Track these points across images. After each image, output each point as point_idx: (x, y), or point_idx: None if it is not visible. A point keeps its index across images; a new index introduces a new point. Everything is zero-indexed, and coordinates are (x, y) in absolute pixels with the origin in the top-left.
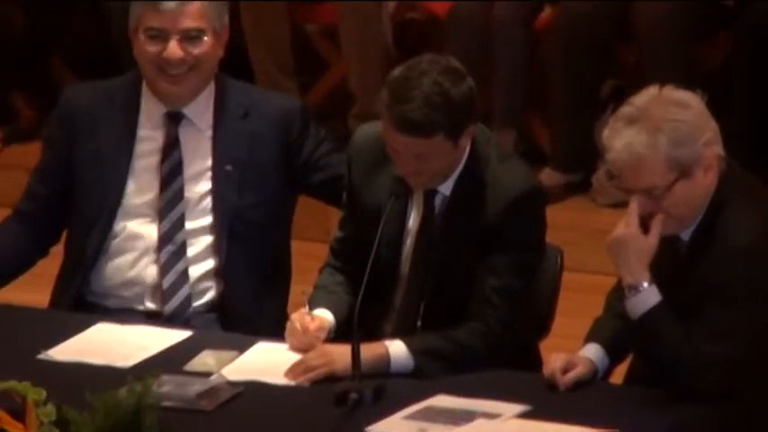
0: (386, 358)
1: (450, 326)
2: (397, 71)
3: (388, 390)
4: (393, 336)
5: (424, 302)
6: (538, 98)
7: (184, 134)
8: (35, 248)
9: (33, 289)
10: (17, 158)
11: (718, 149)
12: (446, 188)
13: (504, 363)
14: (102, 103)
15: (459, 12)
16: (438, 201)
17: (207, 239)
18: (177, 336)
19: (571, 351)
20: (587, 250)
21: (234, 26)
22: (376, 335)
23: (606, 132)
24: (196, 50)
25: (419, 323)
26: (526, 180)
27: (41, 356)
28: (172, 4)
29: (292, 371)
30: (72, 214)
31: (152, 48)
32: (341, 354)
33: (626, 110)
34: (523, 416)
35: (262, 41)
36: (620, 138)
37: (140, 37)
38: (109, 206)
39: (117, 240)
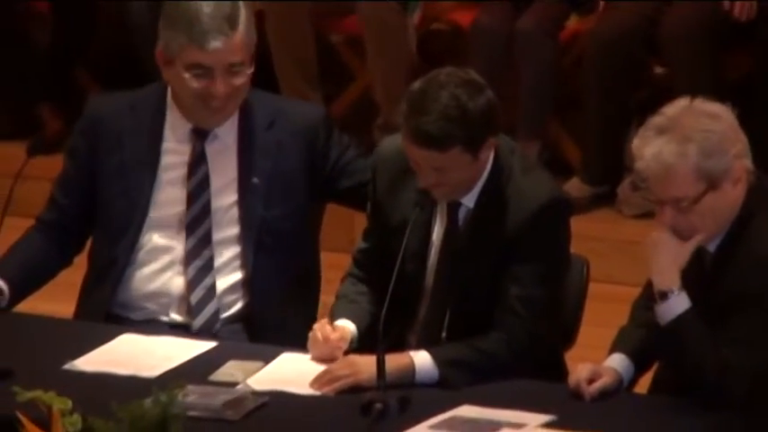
0: (411, 369)
1: (474, 336)
2: (416, 84)
3: (413, 400)
4: (418, 347)
5: (449, 314)
6: (563, 109)
7: (210, 148)
8: (59, 258)
9: (57, 299)
10: (42, 170)
11: (747, 162)
12: (470, 200)
13: (530, 373)
14: (127, 114)
15: (483, 22)
16: (462, 213)
17: (234, 251)
18: (203, 346)
19: (596, 361)
20: (613, 261)
21: (259, 36)
22: (400, 346)
23: (636, 141)
24: (238, 82)
25: (444, 334)
26: (550, 191)
27: (67, 367)
28: (218, 44)
29: (318, 381)
30: (96, 225)
31: (197, 84)
32: (366, 364)
33: (657, 120)
34: (548, 426)
35: (286, 52)
36: (650, 146)
37: (180, 70)
38: (135, 218)
39: (143, 252)
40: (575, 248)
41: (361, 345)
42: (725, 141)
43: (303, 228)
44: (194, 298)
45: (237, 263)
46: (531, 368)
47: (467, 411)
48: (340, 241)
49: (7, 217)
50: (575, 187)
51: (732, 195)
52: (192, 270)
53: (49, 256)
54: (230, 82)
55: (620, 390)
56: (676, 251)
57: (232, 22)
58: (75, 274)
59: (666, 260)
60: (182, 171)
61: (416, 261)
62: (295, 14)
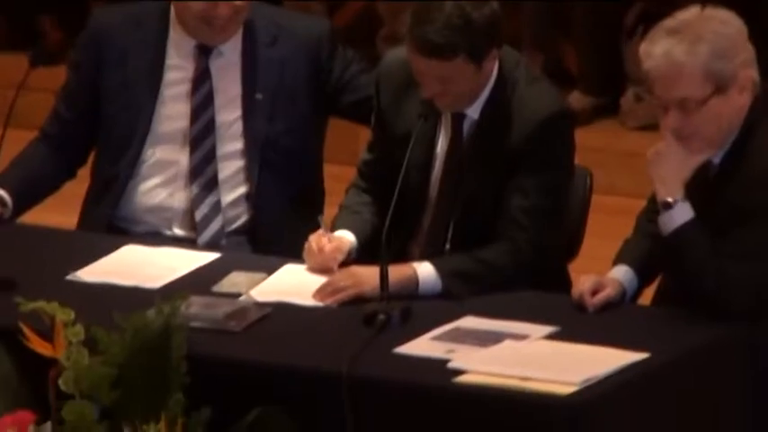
0: (414, 279)
1: (478, 243)
2: None
3: (415, 311)
4: (421, 258)
5: (452, 225)
6: (566, 21)
7: (214, 65)
8: (63, 170)
9: (60, 211)
10: (43, 81)
11: (753, 73)
12: (474, 111)
13: (533, 284)
14: (131, 29)
15: None
16: (467, 124)
17: (237, 164)
18: (206, 257)
19: (600, 273)
20: (616, 172)
21: None
22: (403, 257)
23: (644, 44)
24: (240, 1)
25: (447, 246)
26: (554, 102)
27: (70, 277)
28: None
29: (320, 292)
30: (99, 139)
31: (198, 6)
32: (369, 275)
33: (667, 22)
34: (551, 337)
35: None
36: (660, 45)
37: None
38: (138, 132)
39: (146, 166)
40: (578, 160)
41: (362, 255)
42: (735, 47)
43: (307, 143)
44: (199, 214)
45: (241, 177)
46: (535, 280)
47: (469, 322)
48: (344, 153)
49: (9, 129)
50: (576, 99)
51: (738, 103)
52: (196, 186)
53: (53, 168)
54: (232, 2)
55: (623, 301)
56: (680, 162)
57: None
58: (79, 187)
59: (670, 170)
60: (185, 87)
61: (420, 172)
62: None
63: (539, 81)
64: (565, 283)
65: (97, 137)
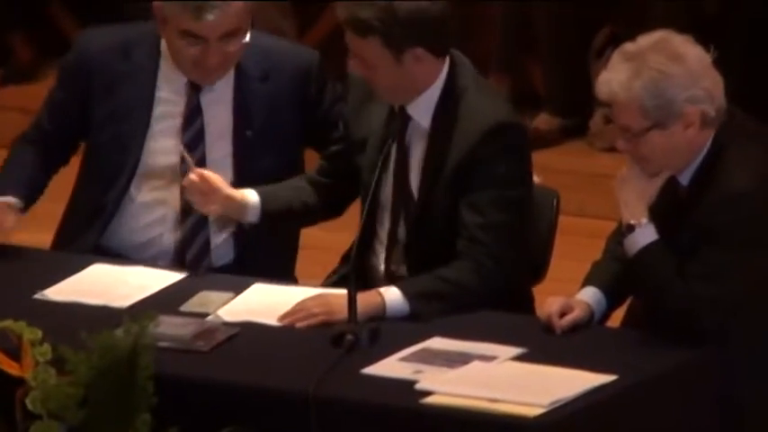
0: (381, 306)
1: (434, 255)
2: None
3: (383, 332)
4: (386, 272)
5: (406, 229)
6: (532, 43)
7: (206, 99)
8: (50, 170)
9: (33, 229)
10: (14, 99)
11: (705, 107)
12: (423, 118)
13: (500, 305)
14: (119, 58)
15: None
16: (413, 129)
17: None
18: (174, 276)
19: (568, 295)
20: (585, 194)
21: None
22: (365, 269)
23: (606, 69)
24: (233, 48)
25: (401, 250)
26: (500, 113)
27: (38, 296)
28: (212, 16)
29: (289, 315)
30: (85, 165)
31: (190, 51)
32: (339, 303)
33: (627, 47)
34: (519, 358)
35: None
36: (609, 71)
37: (173, 35)
38: (127, 166)
39: (135, 203)
40: (546, 181)
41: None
42: (675, 86)
43: (293, 174)
44: (190, 254)
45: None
46: (502, 301)
47: (437, 343)
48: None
49: None
50: (544, 120)
51: (683, 137)
52: (186, 227)
53: (43, 169)
54: (224, 50)
55: (591, 323)
56: (643, 186)
57: None
58: (52, 206)
59: (632, 193)
60: (175, 121)
61: (370, 174)
62: None
63: (488, 91)
64: (532, 305)
65: (78, 146)
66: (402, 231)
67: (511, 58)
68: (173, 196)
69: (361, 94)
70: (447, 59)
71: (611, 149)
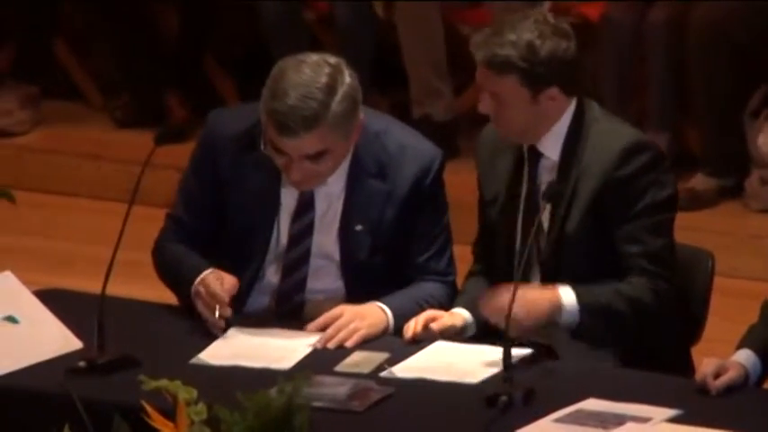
0: (557, 308)
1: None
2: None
3: (538, 392)
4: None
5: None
6: (688, 102)
7: (319, 192)
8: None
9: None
10: (168, 158)
11: None
12: (552, 151)
13: (655, 367)
14: (245, 148)
15: (613, 15)
16: (543, 163)
17: (325, 295)
18: (316, 336)
19: (723, 356)
20: (740, 255)
21: (389, 25)
22: None
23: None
24: (321, 168)
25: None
26: (632, 133)
27: (194, 361)
28: (291, 141)
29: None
30: (223, 251)
31: (278, 160)
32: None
33: None
34: (674, 420)
35: (415, 43)
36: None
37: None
38: (257, 256)
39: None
40: (701, 242)
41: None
42: None
43: (403, 272)
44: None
45: (327, 307)
46: (658, 362)
47: (592, 405)
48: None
49: (134, 205)
50: (700, 180)
51: None
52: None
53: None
54: (309, 167)
55: (746, 385)
56: None
57: (311, 122)
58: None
59: None
60: (289, 211)
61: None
62: (425, 6)
63: (617, 119)
64: (689, 367)
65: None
66: (536, 270)
67: (667, 118)
68: (273, 278)
69: (489, 152)
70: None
71: (767, 211)
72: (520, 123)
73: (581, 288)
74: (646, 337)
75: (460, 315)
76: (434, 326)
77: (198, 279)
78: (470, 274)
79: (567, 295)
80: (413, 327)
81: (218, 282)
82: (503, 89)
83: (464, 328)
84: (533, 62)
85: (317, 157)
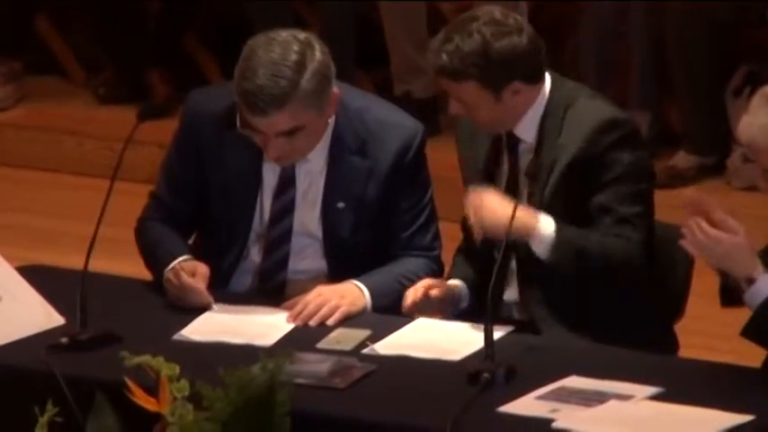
0: (532, 228)
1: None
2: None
3: (519, 370)
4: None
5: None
6: (670, 80)
7: (300, 170)
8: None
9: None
10: (151, 135)
11: None
12: (527, 135)
13: (639, 344)
14: (224, 126)
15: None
16: (521, 148)
17: (308, 275)
18: None
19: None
20: None
21: (371, 3)
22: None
23: (745, 115)
24: (298, 143)
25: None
26: (608, 110)
27: (176, 337)
28: (263, 119)
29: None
30: (204, 233)
31: (255, 137)
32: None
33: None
34: (656, 398)
35: (397, 20)
36: (749, 114)
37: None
38: (240, 235)
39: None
40: (683, 220)
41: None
42: None
43: (386, 249)
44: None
45: (310, 286)
46: (641, 338)
47: (574, 382)
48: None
49: (116, 181)
50: (681, 158)
51: None
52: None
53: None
54: (286, 144)
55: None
56: (745, 241)
57: (280, 100)
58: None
59: (744, 251)
60: (271, 188)
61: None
62: None
63: (597, 96)
64: (672, 344)
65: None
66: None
67: (649, 97)
68: (255, 255)
69: (468, 134)
70: (547, 77)
71: (750, 188)
72: (490, 120)
73: (561, 224)
74: (624, 311)
75: (456, 284)
76: (435, 292)
77: (170, 266)
78: (459, 251)
79: (546, 223)
80: (412, 295)
81: (189, 273)
82: (464, 95)
83: (460, 297)
84: (487, 66)
85: (291, 133)
